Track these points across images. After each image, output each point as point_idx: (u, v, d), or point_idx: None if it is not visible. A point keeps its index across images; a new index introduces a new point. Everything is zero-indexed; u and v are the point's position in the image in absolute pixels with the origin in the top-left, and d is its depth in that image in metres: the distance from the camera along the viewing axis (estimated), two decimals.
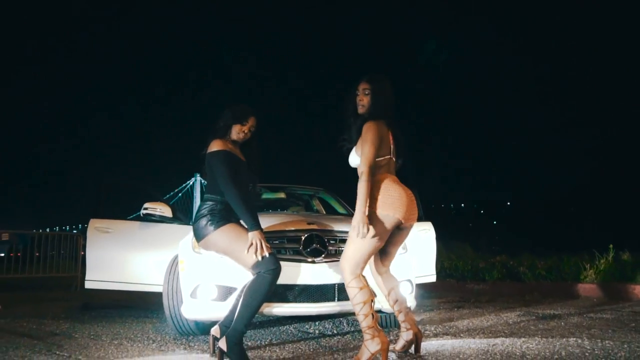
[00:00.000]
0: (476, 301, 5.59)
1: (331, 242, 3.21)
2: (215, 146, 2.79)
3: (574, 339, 3.13)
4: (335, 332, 3.61)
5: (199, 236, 2.77)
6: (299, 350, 2.95)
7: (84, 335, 3.50)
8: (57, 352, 2.89)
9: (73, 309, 5.16)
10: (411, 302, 3.43)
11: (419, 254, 4.80)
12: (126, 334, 3.53)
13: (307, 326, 3.85)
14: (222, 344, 2.49)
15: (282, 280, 2.82)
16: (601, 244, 6.45)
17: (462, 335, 3.38)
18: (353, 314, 2.77)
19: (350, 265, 2.58)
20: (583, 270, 6.12)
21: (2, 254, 10.36)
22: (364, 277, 2.61)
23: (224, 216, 2.74)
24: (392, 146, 2.77)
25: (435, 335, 3.39)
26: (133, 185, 4.89)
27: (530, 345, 2.94)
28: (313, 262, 3.08)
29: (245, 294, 2.58)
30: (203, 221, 2.74)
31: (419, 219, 5.20)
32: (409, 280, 3.45)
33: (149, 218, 4.15)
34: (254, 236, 2.60)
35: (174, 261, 3.44)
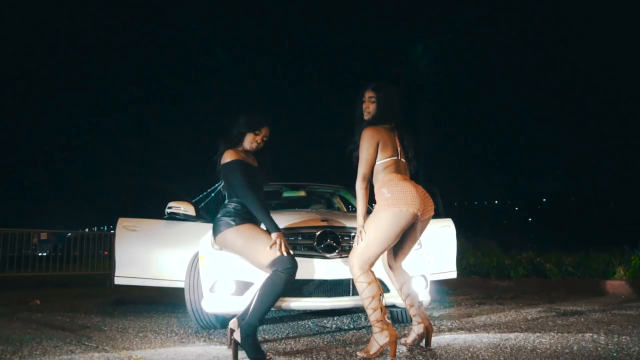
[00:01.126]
0: (500, 298, 5.56)
1: (345, 238, 3.29)
2: (228, 157, 2.88)
3: (591, 334, 3.12)
4: (351, 326, 3.69)
5: (216, 232, 2.86)
6: (313, 343, 3.04)
7: (112, 328, 3.69)
8: (86, 343, 3.06)
9: (105, 304, 5.40)
10: (426, 297, 3.47)
11: (440, 250, 4.81)
12: (151, 327, 3.70)
13: (325, 321, 3.94)
14: (237, 336, 2.60)
15: (298, 275, 2.91)
16: (636, 240, 6.29)
17: (477, 330, 3.40)
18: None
19: (359, 261, 2.66)
20: (612, 267, 6.01)
21: (45, 253, 10.84)
22: (372, 272, 2.68)
23: (243, 217, 2.83)
24: (398, 148, 2.83)
25: (450, 330, 3.42)
26: (159, 185, 5.07)
27: (543, 340, 2.94)
28: (327, 258, 3.17)
29: (261, 290, 2.67)
30: (223, 219, 2.84)
31: (439, 215, 5.24)
32: (423, 276, 3.49)
33: (174, 217, 4.32)
34: (276, 236, 2.70)
35: (195, 258, 3.58)
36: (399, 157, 2.81)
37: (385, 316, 2.62)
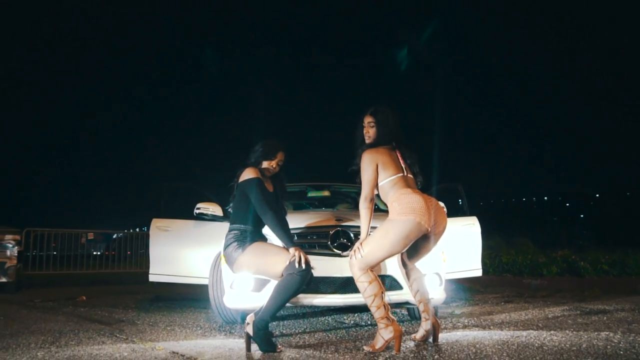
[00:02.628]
0: (530, 296, 5.50)
1: (358, 236, 3.39)
2: (249, 174, 3.04)
3: (607, 332, 3.09)
4: (369, 322, 3.79)
5: (231, 263, 3.03)
6: (326, 338, 3.16)
7: (144, 322, 3.94)
8: (117, 335, 3.31)
9: (144, 301, 5.71)
10: (440, 295, 3.52)
11: (464, 248, 4.83)
12: (180, 322, 3.93)
13: (344, 317, 4.06)
14: (249, 329, 2.76)
15: (315, 274, 3.07)
16: None
17: (491, 327, 3.43)
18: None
19: (360, 263, 2.76)
20: None
21: (99, 252, 11.42)
22: (372, 271, 2.77)
23: (247, 240, 2.98)
24: (403, 165, 2.91)
25: (465, 327, 3.47)
26: (190, 187, 5.31)
27: (555, 338, 2.95)
28: (341, 256, 3.28)
29: (275, 289, 2.81)
30: (230, 248, 2.99)
31: (463, 214, 5.24)
32: (437, 273, 3.54)
33: (202, 217, 4.54)
34: (294, 250, 2.82)
35: (218, 256, 3.78)
36: (405, 174, 2.89)
37: (390, 312, 2.72)
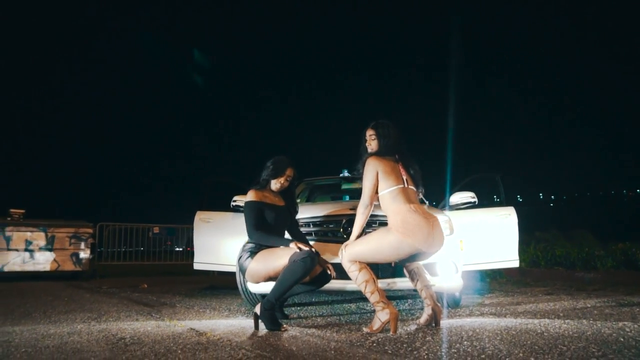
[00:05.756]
0: (578, 289, 5.28)
1: (373, 225, 3.50)
2: (248, 196, 3.30)
3: (624, 323, 3.00)
4: None
5: (243, 272, 3.26)
6: (336, 321, 3.32)
7: (182, 305, 4.30)
8: (152, 315, 3.66)
9: (194, 289, 6.14)
10: (457, 282, 3.54)
11: (500, 239, 4.76)
12: (213, 305, 4.24)
13: (368, 305, 4.17)
14: (257, 309, 2.98)
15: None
16: None
17: (507, 315, 3.41)
18: (400, 290, 3.06)
19: (348, 255, 2.90)
20: None
21: (181, 249, 12.10)
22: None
23: (258, 248, 3.20)
24: (404, 177, 2.98)
25: (481, 315, 3.47)
26: (229, 182, 5.64)
27: (564, 326, 2.90)
28: None
29: (282, 274, 3.00)
30: (242, 258, 3.22)
31: (500, 204, 5.15)
32: (453, 261, 3.57)
33: (238, 209, 4.84)
34: (294, 244, 3.03)
35: (244, 245, 4.04)
36: (406, 185, 2.96)
37: (384, 297, 2.82)
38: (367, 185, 2.97)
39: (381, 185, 2.96)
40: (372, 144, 3.12)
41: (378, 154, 3.06)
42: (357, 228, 3.02)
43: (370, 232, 3.13)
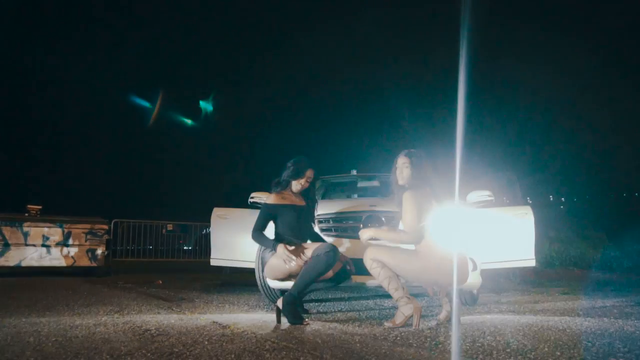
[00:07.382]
0: (593, 289, 5.27)
1: (392, 222, 3.53)
2: (267, 199, 3.43)
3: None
4: None
5: (263, 264, 3.33)
6: (356, 316, 3.34)
7: (201, 300, 4.34)
8: (173, 309, 3.71)
9: (211, 285, 6.19)
10: (474, 280, 3.54)
11: (516, 238, 4.76)
12: (232, 300, 4.28)
13: (385, 301, 4.19)
14: (279, 303, 3.02)
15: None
16: None
17: (526, 313, 3.42)
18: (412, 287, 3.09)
19: (372, 254, 2.90)
20: None
21: (190, 247, 12.23)
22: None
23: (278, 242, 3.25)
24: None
25: (500, 312, 3.49)
26: (247, 178, 5.69)
27: (586, 323, 2.91)
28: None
29: (304, 269, 3.06)
30: (266, 252, 3.29)
31: (516, 203, 5.15)
32: (471, 258, 3.57)
33: (255, 205, 4.88)
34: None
35: None
36: None
37: (408, 292, 2.85)
38: (408, 221, 2.89)
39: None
40: (403, 172, 3.04)
41: (412, 186, 3.00)
42: (386, 234, 2.97)
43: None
